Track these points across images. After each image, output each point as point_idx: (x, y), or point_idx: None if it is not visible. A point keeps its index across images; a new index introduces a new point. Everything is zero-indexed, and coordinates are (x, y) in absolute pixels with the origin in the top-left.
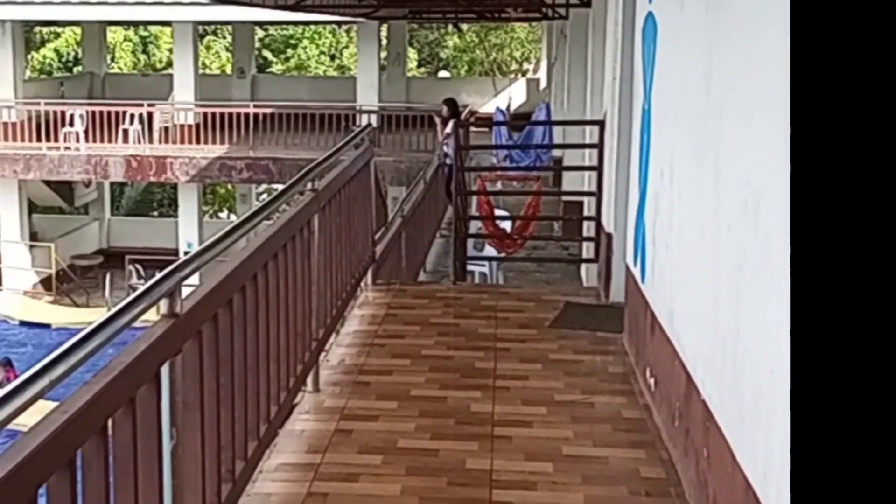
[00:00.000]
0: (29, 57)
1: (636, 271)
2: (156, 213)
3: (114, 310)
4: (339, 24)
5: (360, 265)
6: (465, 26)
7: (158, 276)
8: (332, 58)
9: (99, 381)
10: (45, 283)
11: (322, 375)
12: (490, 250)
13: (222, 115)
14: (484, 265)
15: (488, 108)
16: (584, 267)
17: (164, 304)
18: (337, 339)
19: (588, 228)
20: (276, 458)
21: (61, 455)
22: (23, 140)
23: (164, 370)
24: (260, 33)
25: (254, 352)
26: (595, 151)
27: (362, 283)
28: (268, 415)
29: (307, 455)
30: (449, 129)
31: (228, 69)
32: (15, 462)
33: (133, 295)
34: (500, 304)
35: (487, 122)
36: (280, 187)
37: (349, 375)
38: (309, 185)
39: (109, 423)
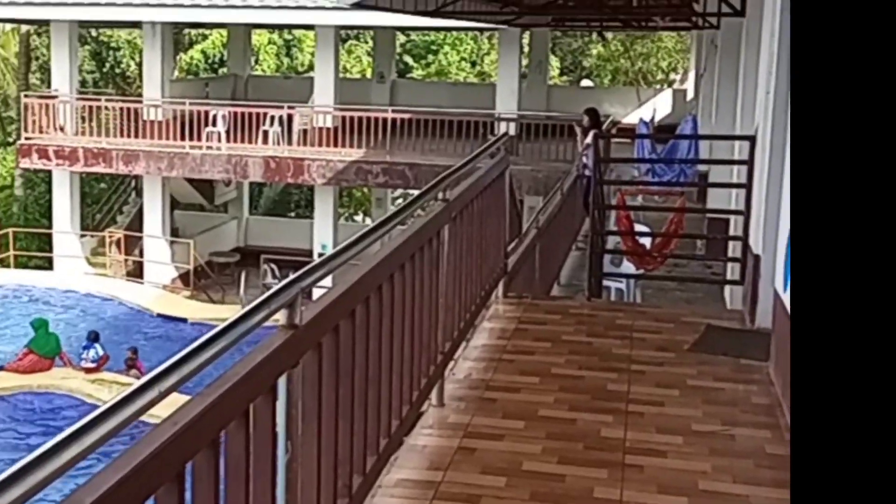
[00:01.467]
0: (177, 58)
1: (786, 297)
2: (292, 214)
3: (231, 319)
4: (481, 30)
5: (491, 277)
6: (609, 35)
7: (278, 285)
8: (473, 64)
9: (212, 393)
10: (184, 278)
11: (447, 390)
12: (628, 266)
13: (360, 119)
14: (621, 282)
15: (631, 118)
16: (727, 288)
17: (282, 315)
18: (464, 353)
19: (734, 248)
20: (396, 473)
21: (170, 467)
22: (168, 139)
23: (281, 381)
24: (401, 38)
25: (376, 364)
26: (744, 168)
27: (492, 296)
28: (389, 429)
29: (428, 472)
30: (589, 139)
31: (369, 73)
32: (122, 473)
33: (251, 305)
34: (636, 324)
35: (630, 133)
36: (415, 193)
37: (475, 391)
38: (440, 195)
39: (222, 435)
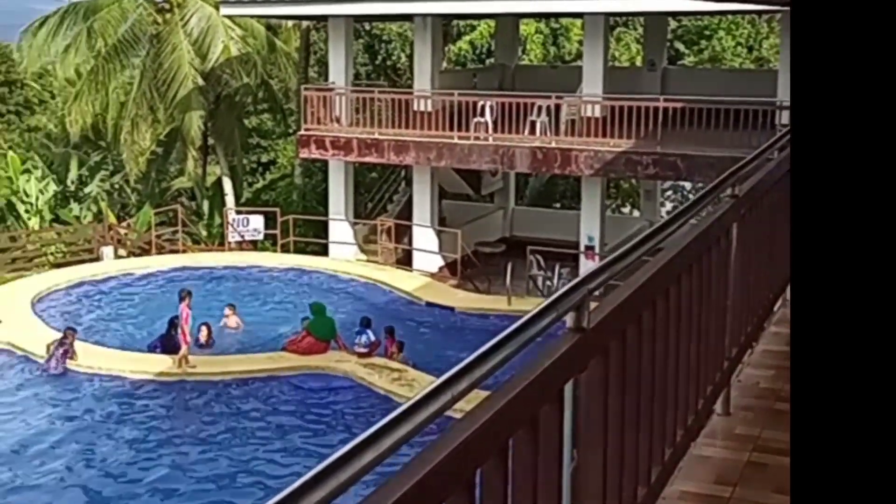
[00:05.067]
0: (445, 50)
1: None
2: (558, 205)
3: (520, 322)
4: (759, 13)
5: (780, 279)
6: None
7: (565, 287)
8: (750, 49)
9: (500, 399)
10: (451, 267)
11: (733, 398)
12: None
13: (630, 108)
14: None
15: None
16: None
17: (570, 318)
18: (750, 359)
19: None
20: (680, 484)
21: (461, 475)
22: (436, 129)
23: (567, 387)
24: (672, 24)
25: (661, 370)
26: None
27: (780, 299)
28: (673, 438)
29: (715, 486)
30: None
31: (638, 61)
32: (415, 479)
33: (539, 307)
34: None
35: None
36: (686, 185)
37: (764, 401)
38: (728, 191)
39: (510, 442)
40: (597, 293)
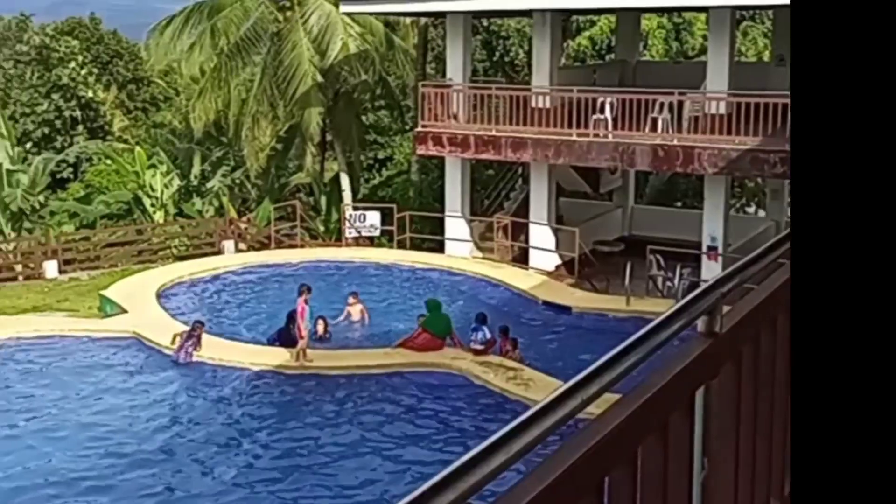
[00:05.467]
0: (564, 45)
1: None
2: (679, 204)
3: (651, 325)
4: None
5: None
6: None
7: (697, 291)
8: None
9: (630, 405)
10: (568, 266)
11: None
12: None
13: (757, 105)
14: None
15: None
16: None
17: (701, 322)
18: None
19: None
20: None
21: (590, 482)
22: (555, 126)
23: (698, 393)
24: None
25: None
26: None
27: None
28: None
29: None
30: None
31: (766, 56)
32: (544, 483)
33: (670, 310)
34: None
35: None
36: None
37: None
38: None
39: (639, 449)
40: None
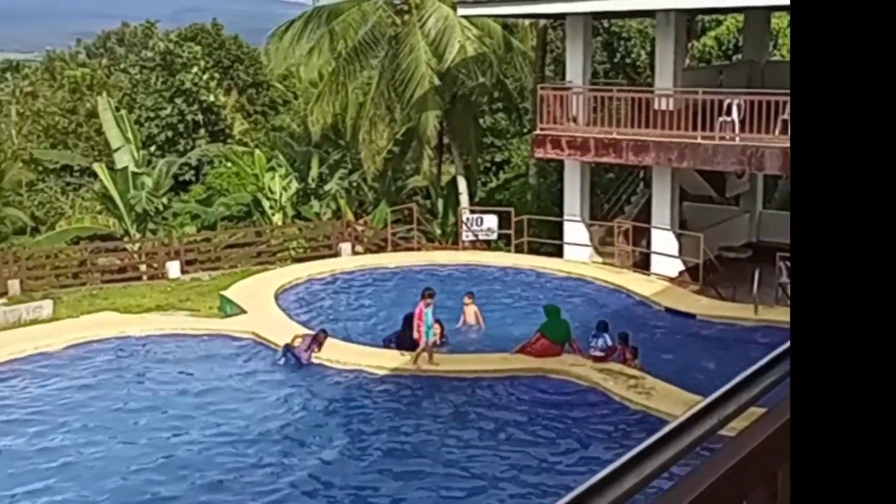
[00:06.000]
0: (689, 46)
1: None
2: None
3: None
4: None
5: None
6: None
7: None
8: None
9: (769, 425)
10: (692, 272)
11: None
12: None
13: None
14: None
15: None
16: None
17: None
18: None
19: None
20: None
21: None
22: (678, 129)
23: None
24: None
25: None
26: None
27: None
28: None
29: None
30: None
31: None
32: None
33: None
34: None
35: None
36: None
37: None
38: None
39: (779, 473)
40: None
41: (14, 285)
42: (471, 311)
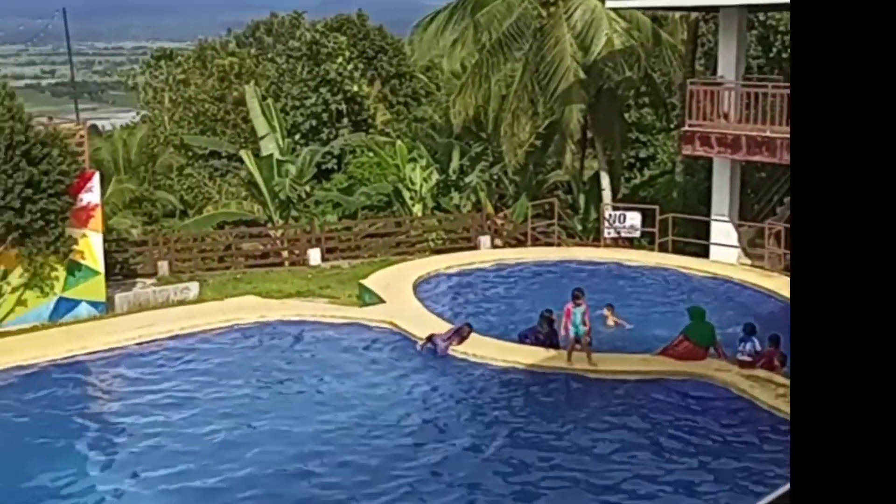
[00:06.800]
0: None
1: None
2: None
3: None
4: None
5: None
6: None
7: None
8: None
9: None
10: None
11: None
12: None
13: None
14: None
15: None
16: None
17: None
18: None
19: None
20: None
21: None
22: None
23: None
24: None
25: None
26: None
27: None
28: None
29: None
30: None
31: None
32: None
33: None
34: None
35: None
36: None
37: None
38: None
39: None
40: None
41: (163, 266)
42: (610, 322)
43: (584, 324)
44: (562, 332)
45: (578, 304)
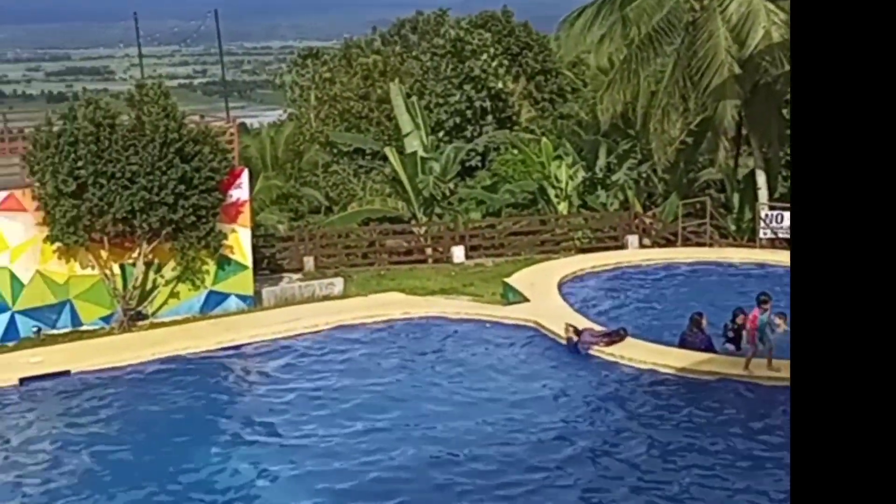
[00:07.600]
0: None
1: None
2: None
3: None
4: None
5: None
6: None
7: None
8: None
9: None
10: None
11: None
12: None
13: None
14: None
15: None
16: None
17: None
18: None
19: None
20: None
21: None
22: None
23: None
24: None
25: None
26: None
27: None
28: None
29: None
30: None
31: None
32: None
33: None
34: None
35: None
36: None
37: None
38: None
39: None
40: None
41: (309, 262)
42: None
43: (772, 330)
44: (747, 343)
45: (765, 310)
